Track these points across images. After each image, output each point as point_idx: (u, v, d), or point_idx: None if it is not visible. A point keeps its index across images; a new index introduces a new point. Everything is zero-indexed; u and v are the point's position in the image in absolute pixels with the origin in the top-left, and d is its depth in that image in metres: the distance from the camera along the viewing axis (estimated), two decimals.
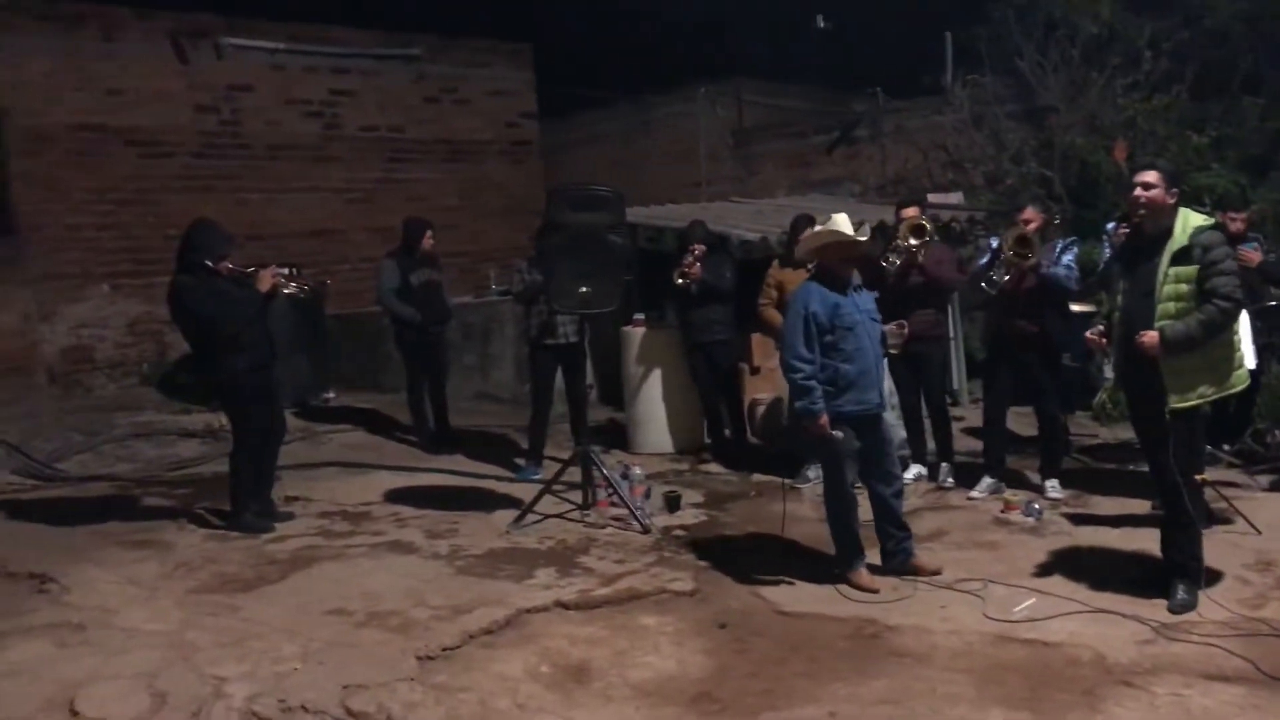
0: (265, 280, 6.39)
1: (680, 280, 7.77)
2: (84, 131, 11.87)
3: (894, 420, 6.71)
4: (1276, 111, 11.35)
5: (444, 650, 4.59)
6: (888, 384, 6.53)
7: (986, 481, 6.80)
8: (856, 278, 5.40)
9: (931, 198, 11.74)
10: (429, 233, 8.75)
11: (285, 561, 5.91)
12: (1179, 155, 10.84)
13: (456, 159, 14.93)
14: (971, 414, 9.26)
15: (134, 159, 12.21)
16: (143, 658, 4.54)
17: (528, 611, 4.99)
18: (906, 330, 5.67)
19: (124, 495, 7.66)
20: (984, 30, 12.37)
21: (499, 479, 7.74)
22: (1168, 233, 4.68)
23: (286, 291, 6.65)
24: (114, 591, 5.46)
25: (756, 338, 8.68)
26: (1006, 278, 6.48)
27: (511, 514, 6.58)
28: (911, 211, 7.18)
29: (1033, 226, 6.54)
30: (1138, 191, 4.74)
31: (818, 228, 5.50)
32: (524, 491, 7.01)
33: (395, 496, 7.28)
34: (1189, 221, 4.70)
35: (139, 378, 12.19)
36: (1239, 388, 4.95)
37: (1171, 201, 4.73)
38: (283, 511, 6.82)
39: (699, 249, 7.89)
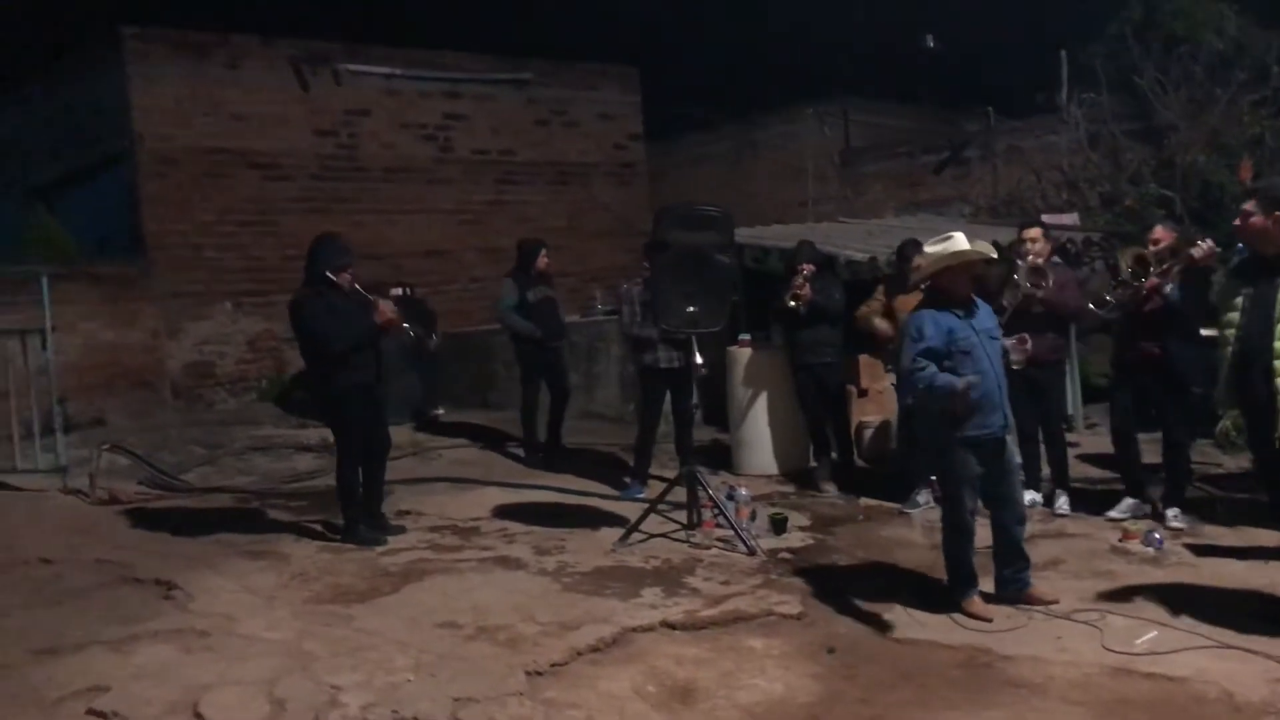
0: (383, 313, 6.57)
1: (791, 302, 7.73)
2: (210, 155, 12.39)
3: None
4: None
5: (552, 666, 4.61)
6: None
7: (1128, 502, 6.62)
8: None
9: (1045, 218, 11.49)
10: (544, 252, 9.01)
11: (397, 574, 6.03)
12: None
13: (564, 181, 15.15)
14: (1087, 440, 9.02)
15: (256, 181, 12.67)
16: (262, 665, 4.67)
17: (634, 630, 4.99)
18: (1029, 345, 5.49)
19: (243, 506, 7.92)
20: (1101, 48, 12.12)
21: (604, 497, 7.79)
22: None
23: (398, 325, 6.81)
24: (234, 599, 5.63)
25: (864, 359, 8.60)
26: (1119, 299, 6.29)
27: (617, 532, 6.61)
28: (1033, 233, 7.00)
29: (1161, 246, 6.34)
30: (1237, 220, 4.62)
31: (934, 248, 5.29)
32: (629, 510, 7.04)
33: (503, 512, 7.38)
34: None
35: (257, 393, 12.61)
36: None
37: (1272, 226, 4.57)
38: (394, 525, 6.96)
39: (808, 269, 7.85)
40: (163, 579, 5.99)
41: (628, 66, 16.02)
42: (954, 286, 5.09)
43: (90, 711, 4.27)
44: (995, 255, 5.34)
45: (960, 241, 5.10)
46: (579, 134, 15.34)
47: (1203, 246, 5.67)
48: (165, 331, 12.06)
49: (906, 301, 6.73)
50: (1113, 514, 6.59)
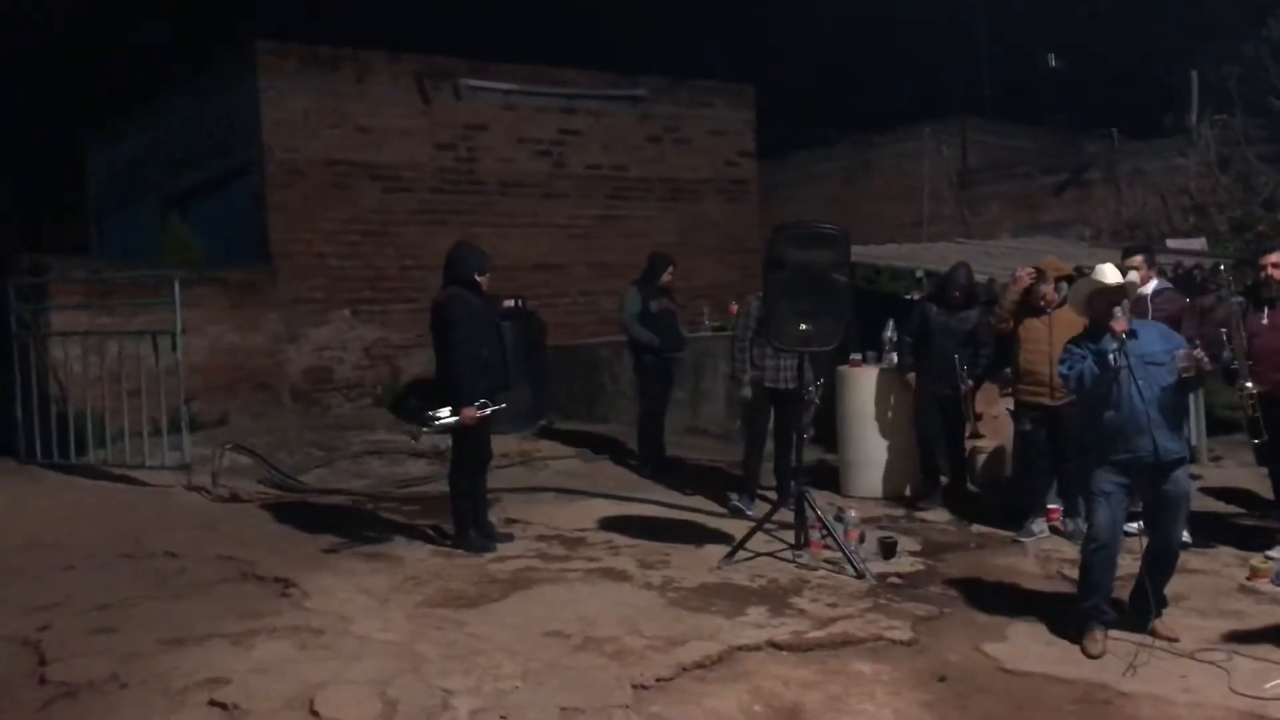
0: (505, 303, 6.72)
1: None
2: (334, 167, 12.75)
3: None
4: None
5: (658, 680, 4.62)
6: None
7: None
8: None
9: (1171, 243, 11.16)
10: (670, 268, 9.18)
11: (506, 581, 6.11)
12: None
13: (675, 197, 15.21)
14: (1211, 474, 8.71)
15: (378, 193, 13.00)
16: (375, 665, 4.78)
17: (740, 649, 4.97)
18: (1197, 353, 5.28)
19: (358, 509, 8.12)
20: (1235, 68, 11.71)
21: (710, 513, 7.78)
22: None
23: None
24: (349, 600, 5.78)
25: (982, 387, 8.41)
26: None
27: (722, 549, 6.59)
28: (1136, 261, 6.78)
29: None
30: None
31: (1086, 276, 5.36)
32: (735, 527, 7.02)
33: (609, 524, 7.42)
34: None
35: (373, 399, 12.92)
36: None
37: None
38: (503, 533, 7.06)
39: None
40: (281, 576, 6.18)
41: (741, 84, 16.03)
42: (1099, 314, 5.19)
43: (212, 702, 4.43)
44: (1126, 282, 5.29)
45: (1104, 272, 5.27)
46: (691, 150, 15.38)
47: None
48: (286, 336, 12.43)
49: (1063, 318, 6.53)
50: (1273, 554, 6.31)
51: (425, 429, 6.80)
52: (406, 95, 13.18)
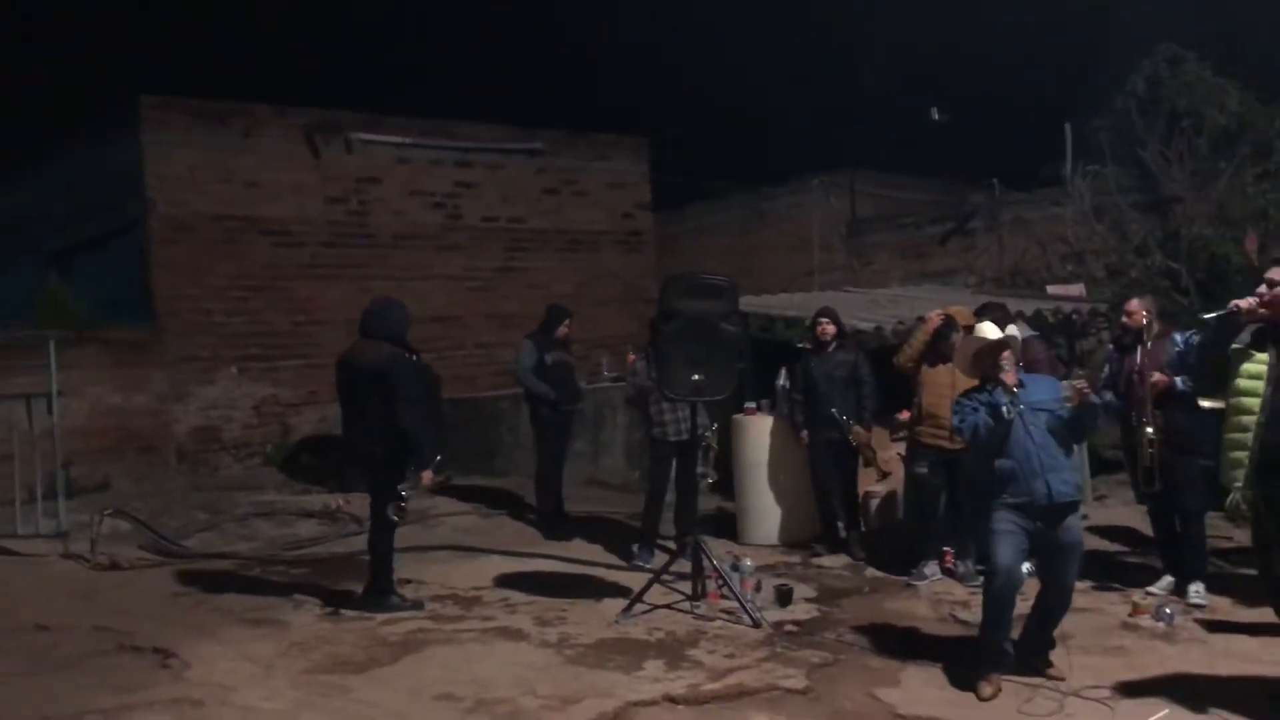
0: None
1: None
2: (222, 222, 12.51)
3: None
4: None
5: None
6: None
7: (1166, 580, 6.56)
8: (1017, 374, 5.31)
9: (1051, 290, 11.54)
10: (567, 320, 9.15)
11: (397, 644, 5.95)
12: None
13: (573, 248, 15.27)
14: (1095, 511, 8.95)
15: (267, 248, 12.79)
16: None
17: (636, 704, 4.91)
18: (1080, 384, 5.46)
19: (244, 573, 7.85)
20: (1105, 121, 12.22)
21: (609, 566, 7.71)
22: None
23: None
24: (232, 669, 5.57)
25: (872, 428, 8.54)
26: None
27: (621, 602, 6.52)
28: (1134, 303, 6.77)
29: (1135, 320, 6.38)
30: (1261, 289, 4.55)
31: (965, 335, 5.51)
32: (633, 580, 6.97)
33: (506, 581, 7.31)
34: None
35: (263, 458, 12.60)
36: None
37: None
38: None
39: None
40: (160, 647, 5.92)
41: (637, 137, 16.22)
42: (986, 370, 5.32)
43: None
44: (1008, 336, 5.47)
45: (984, 330, 5.58)
46: (588, 203, 15.48)
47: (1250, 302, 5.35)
48: (172, 396, 12.08)
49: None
50: (1154, 589, 6.48)
51: (403, 504, 6.48)
52: (296, 149, 13.03)
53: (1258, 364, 4.58)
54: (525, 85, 21.97)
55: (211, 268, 12.41)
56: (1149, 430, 6.22)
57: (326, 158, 13.23)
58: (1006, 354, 5.33)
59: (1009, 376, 5.21)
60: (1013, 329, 7.42)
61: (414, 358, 6.69)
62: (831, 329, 7.98)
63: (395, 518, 6.44)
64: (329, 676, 5.46)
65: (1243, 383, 4.62)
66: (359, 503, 9.15)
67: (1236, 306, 4.57)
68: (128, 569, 7.95)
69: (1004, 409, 5.09)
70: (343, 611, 6.60)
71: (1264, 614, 5.93)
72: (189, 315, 12.25)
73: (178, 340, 12.11)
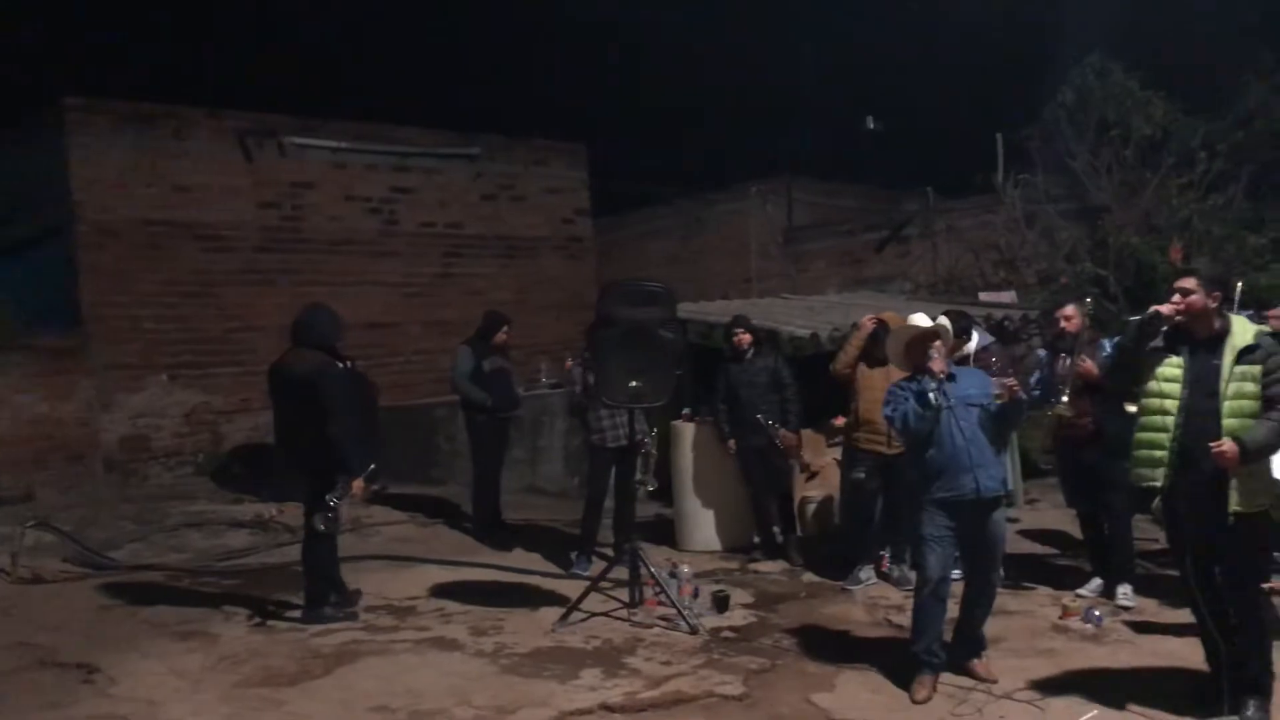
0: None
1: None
2: (152, 227, 12.24)
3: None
4: None
5: None
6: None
7: (1095, 582, 6.67)
8: (949, 365, 5.38)
9: (983, 296, 11.72)
10: (505, 327, 9.09)
11: (330, 656, 5.87)
12: (1236, 255, 10.74)
13: (512, 254, 15.19)
14: (1026, 515, 9.09)
15: (199, 253, 12.54)
16: None
17: (572, 714, 4.90)
18: (1010, 381, 5.49)
19: (173, 585, 7.69)
20: (1036, 130, 12.45)
21: (546, 574, 7.67)
22: (1224, 333, 4.61)
23: None
24: (159, 683, 5.45)
25: (808, 434, 8.61)
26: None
27: (558, 611, 6.50)
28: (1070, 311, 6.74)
29: (1072, 325, 6.49)
30: (1175, 299, 4.68)
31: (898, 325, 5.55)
32: (570, 588, 6.94)
33: (442, 591, 7.24)
34: (1246, 325, 4.66)
35: (194, 467, 12.36)
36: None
37: (1213, 305, 4.65)
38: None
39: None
40: (84, 662, 5.79)
41: (576, 143, 16.19)
42: (917, 360, 5.36)
43: None
44: (939, 324, 5.53)
45: (915, 319, 5.55)
46: (527, 208, 15.42)
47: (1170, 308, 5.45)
48: (100, 404, 11.80)
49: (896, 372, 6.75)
50: (1083, 591, 6.60)
51: (331, 514, 6.33)
52: (228, 153, 12.80)
53: (1172, 367, 4.69)
54: (463, 90, 21.87)
55: (141, 273, 12.15)
56: (1062, 407, 6.26)
57: (259, 162, 13.02)
58: (937, 343, 5.38)
59: (937, 365, 5.26)
60: (976, 335, 7.52)
61: (346, 366, 6.59)
62: (747, 337, 8.03)
63: (322, 527, 6.31)
64: (260, 689, 5.37)
65: (1156, 384, 4.72)
66: (292, 512, 9.04)
67: (1157, 311, 4.68)
68: (51, 582, 7.74)
69: (931, 396, 5.13)
70: (275, 623, 6.49)
71: (1189, 615, 6.06)
72: (117, 322, 11.98)
73: (105, 347, 11.84)
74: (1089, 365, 6.35)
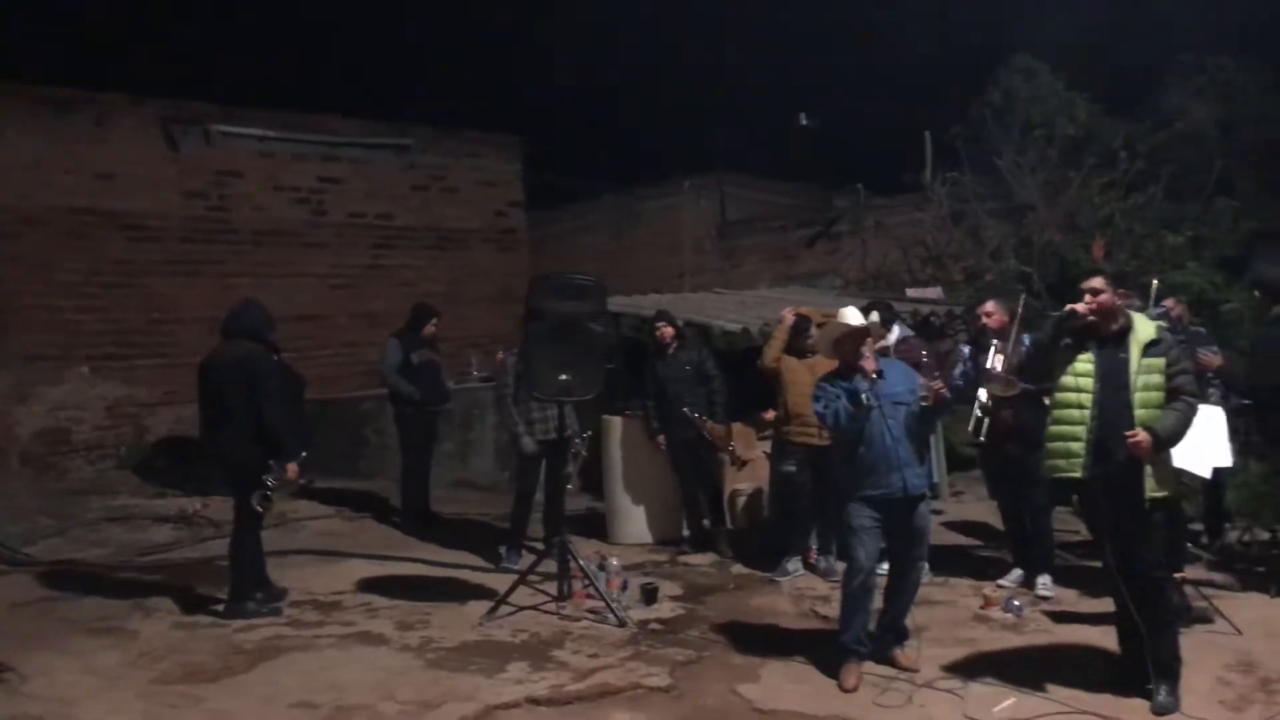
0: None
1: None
2: (73, 215, 11.92)
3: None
4: (1250, 213, 11.57)
5: None
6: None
7: (1016, 573, 6.79)
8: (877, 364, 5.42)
9: (910, 292, 11.88)
10: (435, 319, 9.01)
11: (253, 652, 5.79)
12: (1155, 253, 11.03)
13: (444, 246, 15.05)
14: (951, 507, 9.25)
15: (121, 243, 12.26)
16: None
17: (497, 708, 4.88)
18: (936, 383, 5.57)
19: (91, 581, 7.50)
20: (963, 130, 12.64)
21: (475, 568, 7.63)
22: (1128, 329, 4.77)
23: None
24: (74, 682, 5.32)
25: (738, 426, 8.66)
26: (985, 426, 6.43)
27: (485, 605, 6.46)
28: (988, 308, 6.80)
29: (994, 320, 6.61)
30: (1088, 299, 4.82)
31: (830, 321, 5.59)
32: (499, 582, 6.91)
33: (368, 586, 7.16)
34: (1146, 320, 4.88)
35: (116, 461, 12.07)
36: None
37: (1121, 302, 4.85)
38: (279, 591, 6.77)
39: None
40: None
41: (509, 135, 16.09)
42: (844, 354, 5.41)
43: None
44: (870, 323, 5.60)
45: (847, 315, 5.53)
46: (459, 200, 15.29)
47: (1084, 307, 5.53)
48: (16, 397, 11.48)
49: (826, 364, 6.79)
50: (1004, 582, 6.72)
51: (269, 494, 6.35)
52: (152, 141, 12.52)
53: (1083, 363, 4.84)
54: (395, 80, 21.64)
55: (61, 263, 11.82)
56: (985, 393, 6.35)
57: (184, 150, 12.75)
58: (868, 341, 5.45)
59: (869, 364, 5.33)
60: (897, 329, 7.63)
61: (276, 357, 6.59)
62: (670, 331, 8.07)
63: (260, 508, 6.34)
64: (180, 686, 5.27)
65: (1071, 379, 4.87)
66: (216, 506, 8.90)
67: (1073, 310, 4.82)
68: None
69: (863, 396, 5.20)
70: (197, 619, 6.38)
71: (1106, 604, 6.21)
72: (35, 312, 11.65)
73: (22, 338, 11.51)
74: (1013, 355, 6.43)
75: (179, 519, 9.35)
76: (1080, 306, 4.82)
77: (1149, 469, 4.67)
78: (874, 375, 5.29)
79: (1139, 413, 4.67)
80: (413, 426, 8.90)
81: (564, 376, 6.39)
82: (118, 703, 5.02)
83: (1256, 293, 6.52)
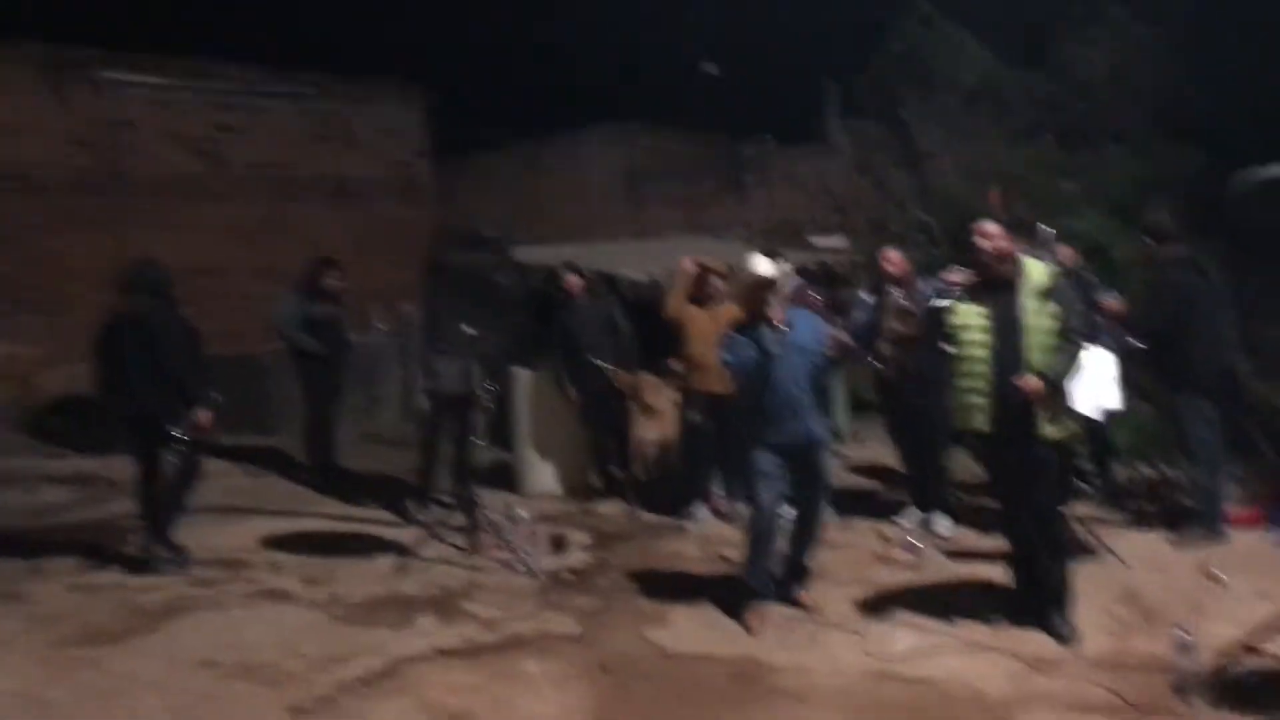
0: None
1: None
2: None
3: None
4: (1141, 161, 11.88)
5: (317, 702, 4.45)
6: None
7: (913, 513, 6.96)
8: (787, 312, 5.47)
9: (814, 240, 12.00)
10: (335, 272, 8.82)
11: (155, 612, 5.68)
12: (1050, 201, 11.27)
13: (346, 197, 14.71)
14: (853, 451, 9.44)
15: (4, 195, 11.72)
16: None
17: (406, 660, 4.88)
18: (842, 336, 5.71)
19: None
20: (866, 78, 12.71)
21: (383, 523, 7.58)
22: (1020, 275, 4.92)
23: None
24: None
25: (647, 377, 8.69)
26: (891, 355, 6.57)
27: (393, 559, 6.44)
28: (892, 256, 7.00)
29: (896, 268, 6.73)
30: (984, 245, 4.93)
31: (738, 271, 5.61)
32: (407, 536, 6.87)
33: (274, 543, 7.07)
34: (1037, 265, 5.01)
35: (7, 422, 11.64)
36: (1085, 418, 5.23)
37: (1010, 249, 4.97)
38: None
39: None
40: None
41: (412, 83, 15.76)
42: (751, 305, 5.41)
43: None
44: (782, 273, 5.65)
45: (756, 264, 5.49)
46: (361, 150, 14.94)
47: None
48: None
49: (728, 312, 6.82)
50: (904, 523, 6.90)
51: (182, 446, 6.41)
52: (34, 88, 11.99)
53: (979, 316, 4.99)
54: (294, 27, 20.98)
55: None
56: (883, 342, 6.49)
57: (71, 98, 12.24)
58: (775, 291, 5.50)
59: (777, 314, 5.39)
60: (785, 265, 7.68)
61: (176, 313, 6.56)
62: (577, 282, 8.08)
63: (175, 460, 6.38)
64: (79, 650, 5.16)
65: (968, 333, 5.02)
66: (116, 466, 8.66)
67: (955, 283, 5.03)
68: None
69: (771, 345, 5.26)
70: (95, 580, 6.23)
71: (1001, 542, 6.42)
72: None
73: None
74: (910, 306, 6.59)
75: (75, 480, 9.09)
76: (957, 276, 4.99)
77: (1042, 412, 4.83)
78: (782, 326, 5.35)
79: (1032, 356, 4.81)
80: (315, 381, 8.75)
81: (468, 329, 6.34)
82: (12, 667, 4.90)
83: (1146, 239, 6.69)
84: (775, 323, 5.35)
